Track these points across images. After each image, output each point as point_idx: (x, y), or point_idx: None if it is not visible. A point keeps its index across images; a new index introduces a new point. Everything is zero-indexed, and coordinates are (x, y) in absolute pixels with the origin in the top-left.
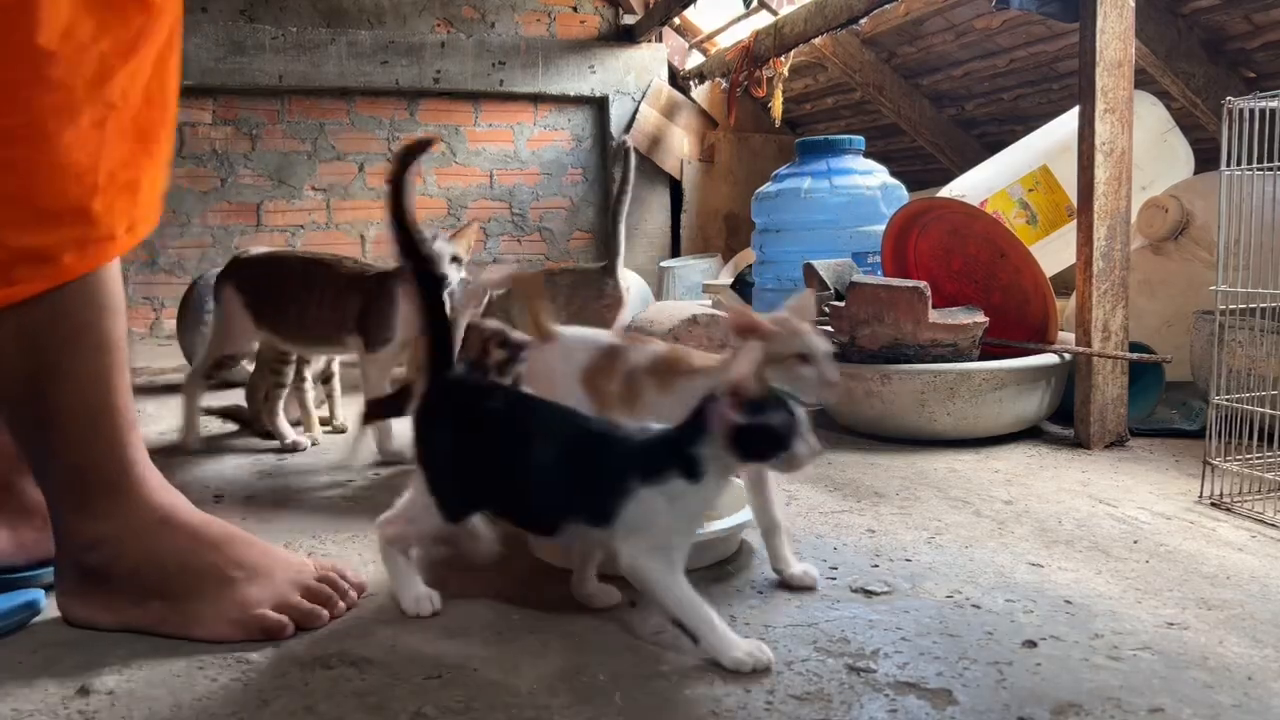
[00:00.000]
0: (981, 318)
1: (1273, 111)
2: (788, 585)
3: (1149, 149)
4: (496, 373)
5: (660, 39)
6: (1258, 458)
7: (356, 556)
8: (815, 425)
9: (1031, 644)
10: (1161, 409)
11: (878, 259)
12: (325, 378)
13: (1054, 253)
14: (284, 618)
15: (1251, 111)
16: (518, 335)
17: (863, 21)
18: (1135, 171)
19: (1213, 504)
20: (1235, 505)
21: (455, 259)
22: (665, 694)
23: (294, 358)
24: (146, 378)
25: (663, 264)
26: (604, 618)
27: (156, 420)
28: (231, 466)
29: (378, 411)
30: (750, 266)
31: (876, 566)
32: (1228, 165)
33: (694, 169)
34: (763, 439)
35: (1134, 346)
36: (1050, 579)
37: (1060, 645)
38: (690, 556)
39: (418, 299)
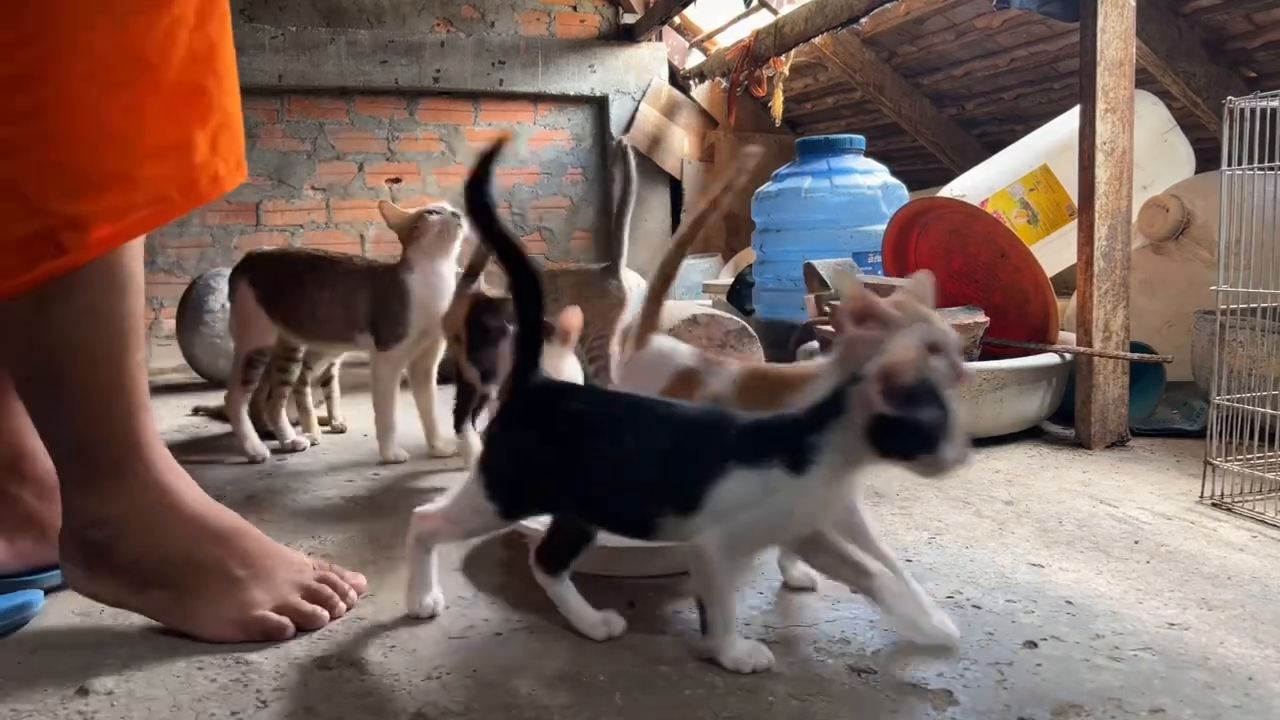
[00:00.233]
0: (982, 317)
1: (1273, 111)
2: (789, 586)
3: (1150, 148)
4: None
5: (660, 38)
6: (1259, 458)
7: (356, 557)
8: None
9: (1032, 644)
10: (1162, 409)
11: (878, 259)
12: (324, 380)
13: (1055, 252)
14: (285, 619)
15: (1252, 111)
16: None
17: (863, 21)
18: (1136, 171)
19: (1214, 504)
20: (1236, 505)
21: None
22: (665, 694)
23: (299, 356)
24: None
25: None
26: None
27: (157, 420)
28: (231, 466)
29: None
30: (750, 266)
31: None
32: (1228, 165)
33: (694, 168)
34: (909, 434)
35: (1135, 346)
36: (1051, 579)
37: (1061, 646)
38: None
39: (513, 300)
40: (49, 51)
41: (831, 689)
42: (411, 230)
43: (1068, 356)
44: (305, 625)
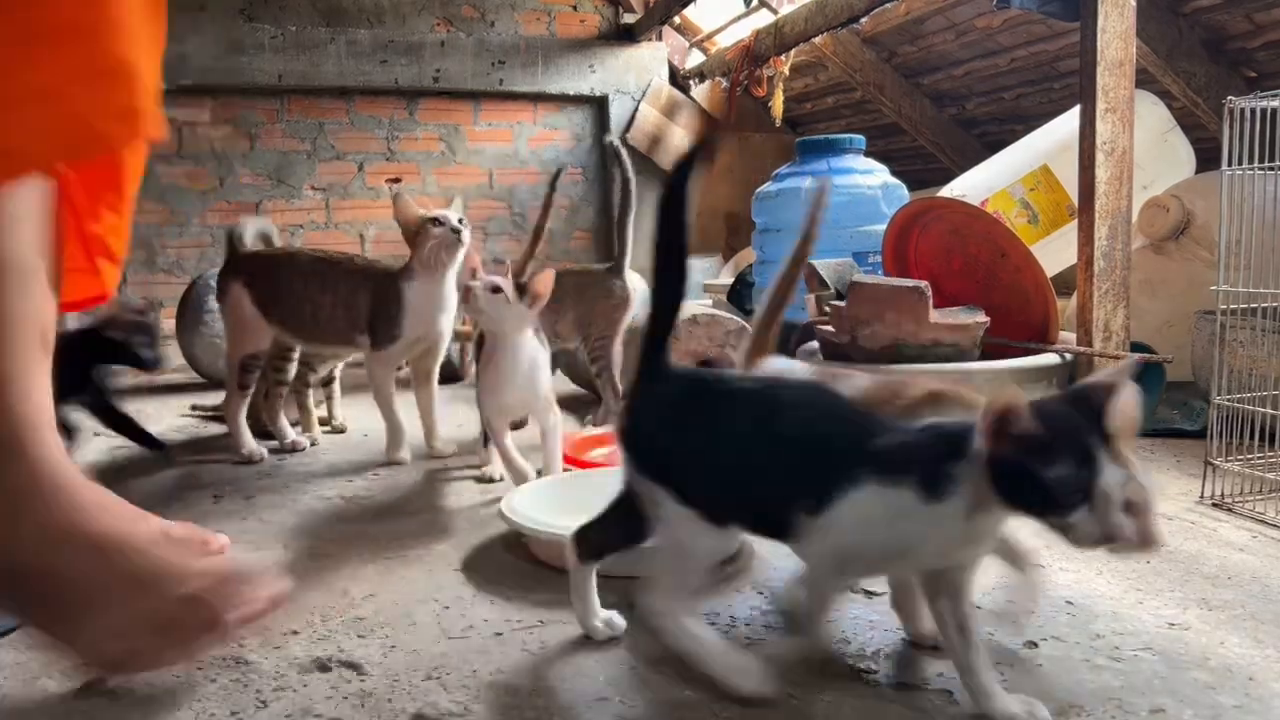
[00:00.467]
0: (982, 317)
1: (1274, 111)
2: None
3: (1150, 148)
4: None
5: (660, 38)
6: (1259, 458)
7: (356, 557)
8: None
9: (1033, 644)
10: (1162, 409)
11: (878, 258)
12: (326, 380)
13: (1055, 252)
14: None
15: (1252, 111)
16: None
17: (863, 21)
18: (1136, 171)
19: (1214, 504)
20: (1236, 505)
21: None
22: (665, 695)
23: (294, 356)
24: (146, 378)
25: None
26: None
27: (157, 420)
28: (231, 467)
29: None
30: (750, 266)
31: None
32: (1229, 165)
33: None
34: (1028, 486)
35: (1135, 346)
36: (1051, 579)
37: (1061, 646)
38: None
39: (653, 296)
40: None
41: (832, 689)
42: (416, 234)
43: (1068, 356)
44: (158, 665)
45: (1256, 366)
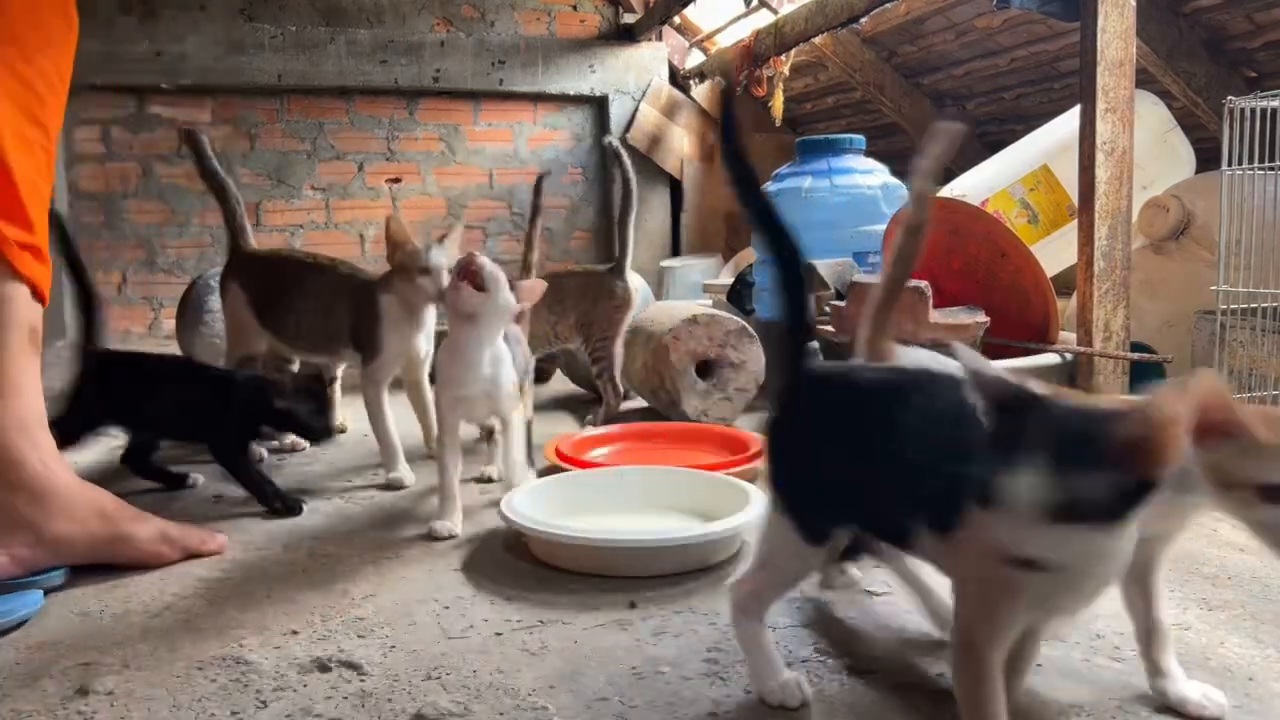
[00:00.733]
0: (982, 317)
1: (1274, 111)
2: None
3: (1150, 148)
4: None
5: (660, 38)
6: None
7: (357, 557)
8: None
9: None
10: None
11: (878, 259)
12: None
13: (1055, 252)
14: None
15: (1252, 111)
16: None
17: (863, 21)
18: (1136, 171)
19: None
20: None
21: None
22: (665, 694)
23: (294, 358)
24: None
25: (663, 264)
26: (603, 619)
27: None
28: None
29: None
30: (750, 266)
31: (878, 567)
32: (1229, 165)
33: (694, 168)
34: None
35: (1135, 346)
36: None
37: (1062, 646)
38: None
39: (778, 285)
40: None
41: (832, 689)
42: (402, 266)
43: (1068, 356)
44: None
45: (1256, 366)
